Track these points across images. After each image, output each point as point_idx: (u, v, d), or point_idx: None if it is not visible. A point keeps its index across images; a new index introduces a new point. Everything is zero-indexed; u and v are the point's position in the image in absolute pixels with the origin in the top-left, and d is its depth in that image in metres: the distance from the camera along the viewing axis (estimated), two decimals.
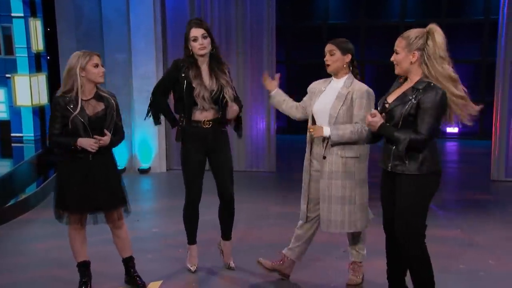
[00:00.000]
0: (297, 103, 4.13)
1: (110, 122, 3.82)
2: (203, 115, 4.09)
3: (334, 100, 3.87)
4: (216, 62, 4.14)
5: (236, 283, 4.20)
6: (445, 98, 3.27)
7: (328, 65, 3.91)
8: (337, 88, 3.91)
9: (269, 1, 7.53)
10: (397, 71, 3.43)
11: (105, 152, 3.84)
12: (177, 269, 4.42)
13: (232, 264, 4.36)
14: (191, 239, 4.35)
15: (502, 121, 7.20)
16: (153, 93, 4.24)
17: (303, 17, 10.90)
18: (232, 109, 4.13)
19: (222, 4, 7.61)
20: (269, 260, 4.16)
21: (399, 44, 3.36)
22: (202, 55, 4.08)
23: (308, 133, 3.96)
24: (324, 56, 3.93)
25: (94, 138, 3.73)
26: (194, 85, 4.03)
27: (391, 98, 3.43)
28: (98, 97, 3.81)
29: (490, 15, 9.66)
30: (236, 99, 4.20)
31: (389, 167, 3.40)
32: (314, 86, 4.07)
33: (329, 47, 3.90)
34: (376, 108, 3.55)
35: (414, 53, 3.31)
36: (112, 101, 3.85)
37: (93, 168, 3.79)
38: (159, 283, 4.17)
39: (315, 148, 3.96)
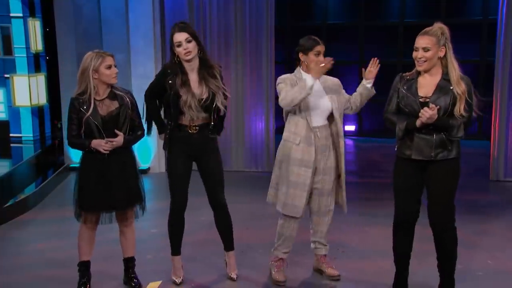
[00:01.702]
0: None
1: (124, 121, 3.81)
2: (191, 120, 3.89)
3: (326, 96, 4.00)
4: (205, 66, 3.88)
5: (234, 283, 4.20)
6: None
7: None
8: (315, 84, 3.90)
9: (268, 0, 7.52)
10: (423, 67, 3.52)
11: (122, 151, 3.84)
12: None
13: (233, 275, 4.18)
14: (175, 250, 4.16)
15: (501, 121, 7.20)
16: (145, 96, 4.08)
17: (302, 17, 10.89)
18: None
19: (221, 4, 7.59)
20: (278, 273, 4.12)
21: (429, 41, 3.46)
22: (188, 61, 3.83)
23: (313, 135, 3.92)
24: (318, 56, 4.07)
25: (106, 139, 3.73)
26: (181, 93, 3.80)
27: (424, 93, 3.52)
28: (112, 96, 3.81)
29: (489, 15, 9.66)
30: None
31: (432, 156, 3.51)
32: (291, 81, 4.13)
33: (322, 48, 4.10)
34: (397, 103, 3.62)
35: (442, 48, 3.48)
36: (127, 99, 3.84)
37: (110, 167, 3.80)
38: (158, 283, 4.18)
39: (318, 141, 3.96)
